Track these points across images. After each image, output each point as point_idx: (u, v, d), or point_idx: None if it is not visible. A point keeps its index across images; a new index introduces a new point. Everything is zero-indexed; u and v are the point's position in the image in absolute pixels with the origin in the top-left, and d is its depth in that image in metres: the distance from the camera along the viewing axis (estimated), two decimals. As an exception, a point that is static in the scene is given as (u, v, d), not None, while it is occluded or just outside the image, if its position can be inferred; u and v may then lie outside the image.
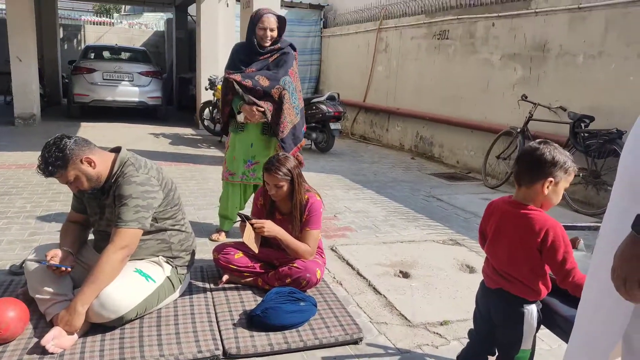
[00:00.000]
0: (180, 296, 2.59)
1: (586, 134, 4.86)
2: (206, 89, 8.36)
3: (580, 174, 4.98)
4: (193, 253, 2.67)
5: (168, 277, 2.48)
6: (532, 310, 1.73)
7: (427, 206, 4.88)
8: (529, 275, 1.71)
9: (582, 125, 4.96)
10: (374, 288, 2.97)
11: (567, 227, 2.21)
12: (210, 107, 8.38)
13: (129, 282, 2.29)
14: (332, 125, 7.34)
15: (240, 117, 3.42)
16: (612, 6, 4.94)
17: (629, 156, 1.24)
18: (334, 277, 3.09)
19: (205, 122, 8.68)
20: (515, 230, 1.72)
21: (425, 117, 7.65)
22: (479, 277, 3.15)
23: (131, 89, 9.95)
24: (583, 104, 5.20)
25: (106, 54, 11.46)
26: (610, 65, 4.97)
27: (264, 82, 3.35)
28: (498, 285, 1.79)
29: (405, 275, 3.20)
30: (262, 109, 3.32)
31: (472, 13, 6.83)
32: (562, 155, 1.68)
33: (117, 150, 2.41)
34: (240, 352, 2.16)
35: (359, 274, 3.17)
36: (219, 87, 7.86)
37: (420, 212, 4.63)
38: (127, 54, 11.64)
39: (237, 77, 3.35)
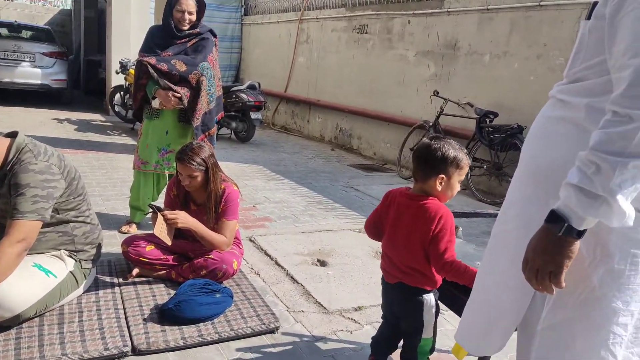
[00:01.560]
0: (85, 292, 2.43)
1: (490, 129, 5.21)
2: (117, 73, 7.87)
3: (484, 166, 5.34)
4: (99, 246, 2.51)
5: (71, 271, 2.31)
6: (430, 300, 1.80)
7: (345, 196, 4.98)
8: (427, 264, 1.76)
9: (487, 120, 5.30)
10: (292, 277, 2.98)
11: (467, 215, 2.35)
12: (122, 92, 7.92)
13: (27, 277, 2.11)
14: (253, 115, 7.24)
15: (155, 103, 3.26)
16: (516, 9, 5.31)
17: (537, 144, 1.30)
18: (252, 268, 3.06)
19: (116, 108, 8.19)
20: (413, 220, 1.75)
21: (345, 110, 7.79)
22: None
23: (32, 71, 9.15)
24: (489, 100, 5.56)
25: (3, 31, 10.41)
26: (514, 65, 5.35)
27: (181, 67, 3.22)
28: (397, 280, 1.82)
29: (323, 263, 3.24)
30: (179, 95, 3.19)
31: (389, 9, 7.04)
32: (453, 151, 1.71)
33: (13, 135, 2.19)
34: (150, 347, 2.07)
35: (277, 263, 3.17)
36: (132, 71, 7.44)
37: (338, 202, 4.72)
38: (29, 33, 10.69)
39: (152, 60, 3.20)
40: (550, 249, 1.06)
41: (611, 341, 1.13)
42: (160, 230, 2.42)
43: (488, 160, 5.30)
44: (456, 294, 1.86)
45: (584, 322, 1.15)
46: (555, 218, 1.06)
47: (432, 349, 1.86)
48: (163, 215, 2.47)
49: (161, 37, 3.31)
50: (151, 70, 3.17)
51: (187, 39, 3.31)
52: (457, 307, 1.86)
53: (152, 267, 2.65)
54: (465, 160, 1.74)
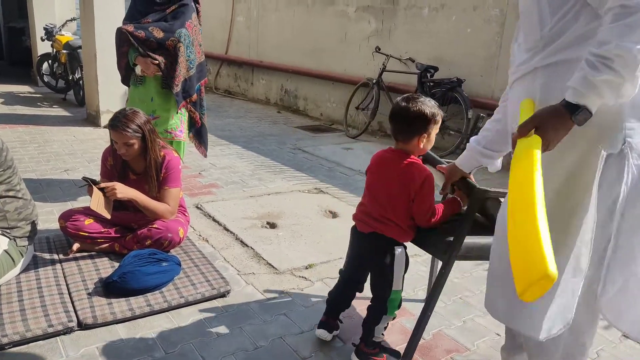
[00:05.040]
0: (24, 271, 2.33)
1: (431, 83, 5.29)
2: (42, 40, 7.33)
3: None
4: (34, 223, 2.40)
5: (5, 250, 2.20)
6: (401, 252, 1.86)
7: (293, 158, 4.97)
8: (405, 218, 1.84)
9: (428, 75, 5.38)
10: (241, 241, 2.97)
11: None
12: (50, 61, 7.40)
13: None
14: (193, 79, 6.99)
15: (138, 70, 3.25)
16: (452, -38, 5.32)
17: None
18: (200, 235, 3.02)
19: (45, 78, 7.67)
20: (399, 176, 1.82)
21: (289, 70, 7.66)
22: (341, 222, 3.35)
23: (-55, 40, 8.35)
24: (429, 55, 5.62)
25: None
26: (451, 18, 5.41)
27: (158, 34, 3.15)
28: (372, 229, 1.87)
29: (272, 225, 3.25)
30: (157, 62, 3.14)
31: (328, -36, 6.87)
32: (429, 109, 1.80)
33: None
34: (97, 320, 2.03)
35: (225, 229, 3.14)
36: (59, 37, 6.97)
37: (286, 165, 4.70)
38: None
39: (130, 27, 3.14)
40: (563, 128, 1.21)
41: None
42: (98, 203, 2.32)
43: (431, 115, 5.40)
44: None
45: None
46: (573, 107, 1.18)
47: (400, 304, 1.92)
48: (100, 188, 2.37)
49: (142, 4, 3.28)
50: (131, 38, 3.14)
51: (167, 5, 3.26)
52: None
53: (94, 240, 2.56)
54: (440, 114, 1.84)
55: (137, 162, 2.60)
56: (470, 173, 1.89)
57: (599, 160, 1.24)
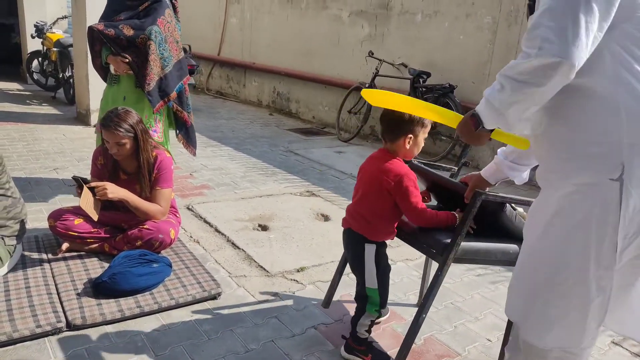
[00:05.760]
0: (11, 270, 2.29)
1: (424, 89, 5.32)
2: (33, 37, 7.24)
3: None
4: (23, 221, 2.37)
5: (-7, 250, 2.17)
6: (371, 250, 1.87)
7: (285, 161, 4.96)
8: (376, 214, 1.86)
9: (421, 80, 5.40)
10: (233, 243, 2.96)
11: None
12: (40, 59, 7.31)
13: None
14: (185, 80, 6.95)
15: (112, 68, 3.23)
16: (446, -31, 5.37)
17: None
18: (191, 236, 3.00)
19: (35, 76, 7.57)
20: (375, 171, 1.85)
21: (282, 72, 7.66)
22: (333, 225, 3.35)
23: None
24: (422, 60, 5.66)
25: None
26: (444, 24, 5.45)
27: (128, 32, 3.13)
28: (348, 225, 1.95)
29: (264, 228, 3.24)
30: (127, 60, 3.12)
31: (322, -32, 6.88)
32: None
33: None
34: (86, 321, 2.00)
35: (217, 230, 3.12)
36: (49, 35, 6.90)
37: (278, 167, 4.69)
38: None
39: (100, 25, 3.12)
40: (470, 136, 1.43)
41: None
42: (86, 203, 2.29)
43: (422, 120, 5.43)
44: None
45: None
46: (474, 117, 1.38)
47: (383, 304, 1.92)
48: (90, 188, 2.34)
49: (116, 2, 3.27)
50: (101, 36, 3.12)
51: (140, 2, 3.23)
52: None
53: (83, 240, 2.53)
54: (429, 119, 1.85)
55: (128, 162, 2.57)
56: (495, 184, 1.89)
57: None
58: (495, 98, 1.30)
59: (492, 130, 1.39)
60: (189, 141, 3.52)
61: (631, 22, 1.21)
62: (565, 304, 1.32)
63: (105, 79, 3.43)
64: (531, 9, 1.34)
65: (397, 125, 1.83)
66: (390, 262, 1.99)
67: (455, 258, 1.79)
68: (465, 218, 1.73)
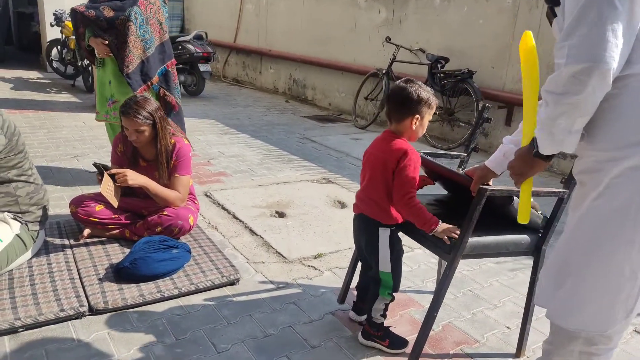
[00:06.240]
0: (35, 255, 2.34)
1: (442, 75, 5.24)
2: (52, 26, 7.31)
3: (437, 112, 5.41)
4: (45, 208, 2.41)
5: (17, 234, 2.22)
6: (385, 234, 1.86)
7: (301, 148, 4.96)
8: (385, 197, 1.84)
9: (439, 66, 5.32)
10: (251, 230, 2.98)
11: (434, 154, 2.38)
12: (59, 47, 7.40)
13: (-32, 244, 2.00)
14: (202, 67, 6.97)
15: (97, 51, 3.24)
16: (465, -48, 5.24)
17: None
18: (209, 223, 3.03)
19: (54, 64, 7.67)
20: (379, 153, 1.84)
21: (298, 59, 7.62)
22: (350, 212, 3.34)
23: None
24: (440, 45, 5.57)
25: None
26: (463, 8, 5.34)
27: (108, 13, 3.13)
28: (359, 211, 1.94)
29: (281, 215, 3.25)
30: (106, 42, 3.12)
31: (339, -48, 6.79)
32: (425, 92, 1.81)
33: None
34: (108, 306, 2.04)
35: (234, 217, 3.14)
36: (68, 23, 6.95)
37: (295, 154, 4.69)
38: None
39: (81, 7, 3.13)
40: (527, 164, 1.38)
41: None
42: (107, 190, 2.32)
43: (440, 107, 5.36)
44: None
45: None
46: (532, 144, 1.35)
47: (396, 287, 1.92)
48: (110, 174, 2.37)
49: None
50: (83, 18, 3.14)
51: None
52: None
53: (104, 226, 2.57)
54: (435, 101, 1.85)
55: (147, 149, 2.60)
56: (501, 174, 1.85)
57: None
58: (541, 115, 1.27)
59: (549, 158, 1.33)
60: (179, 126, 3.46)
61: None
62: (594, 287, 1.30)
63: (94, 63, 3.43)
64: (553, 12, 1.32)
65: (405, 104, 1.80)
66: (407, 249, 1.99)
67: (464, 254, 1.77)
68: (471, 215, 1.70)
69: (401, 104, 1.82)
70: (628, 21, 1.14)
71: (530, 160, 1.36)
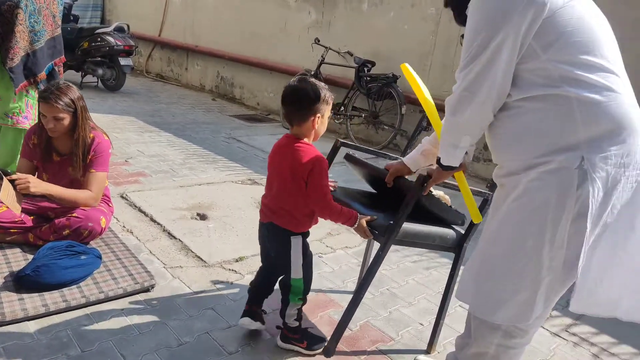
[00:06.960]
0: None
1: (368, 78, 5.36)
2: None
3: (363, 115, 5.53)
4: None
5: None
6: (297, 242, 1.86)
7: (227, 148, 4.87)
8: (299, 206, 1.83)
9: (365, 69, 5.44)
10: (169, 233, 2.87)
11: (354, 147, 2.41)
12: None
13: None
14: (122, 61, 6.65)
15: None
16: (390, -41, 5.40)
17: None
18: (124, 226, 2.88)
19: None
20: (288, 162, 1.81)
21: (226, 57, 7.48)
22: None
23: None
24: (367, 49, 5.69)
25: None
26: (389, 14, 5.49)
27: None
28: (269, 220, 1.89)
29: (203, 217, 3.17)
30: None
31: (268, -50, 6.74)
32: (320, 89, 1.79)
33: None
34: (5, 318, 1.88)
35: (152, 220, 3.02)
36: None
37: (220, 154, 4.60)
38: None
39: None
40: (437, 171, 1.66)
41: None
42: (8, 196, 2.13)
43: (366, 109, 5.49)
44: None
45: None
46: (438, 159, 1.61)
47: (306, 292, 1.93)
48: (11, 180, 2.17)
49: None
50: None
51: None
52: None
53: (5, 230, 2.36)
54: (331, 96, 1.84)
55: (63, 140, 2.43)
56: (416, 172, 1.91)
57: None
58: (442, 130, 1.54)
59: (450, 168, 1.60)
60: None
61: (560, 40, 1.29)
62: (517, 282, 1.39)
63: None
64: (459, 15, 1.47)
65: (305, 104, 1.77)
66: (329, 249, 2.00)
67: (396, 239, 1.82)
68: (407, 205, 1.76)
69: (300, 105, 1.78)
70: (508, 62, 1.32)
71: (438, 168, 1.64)
